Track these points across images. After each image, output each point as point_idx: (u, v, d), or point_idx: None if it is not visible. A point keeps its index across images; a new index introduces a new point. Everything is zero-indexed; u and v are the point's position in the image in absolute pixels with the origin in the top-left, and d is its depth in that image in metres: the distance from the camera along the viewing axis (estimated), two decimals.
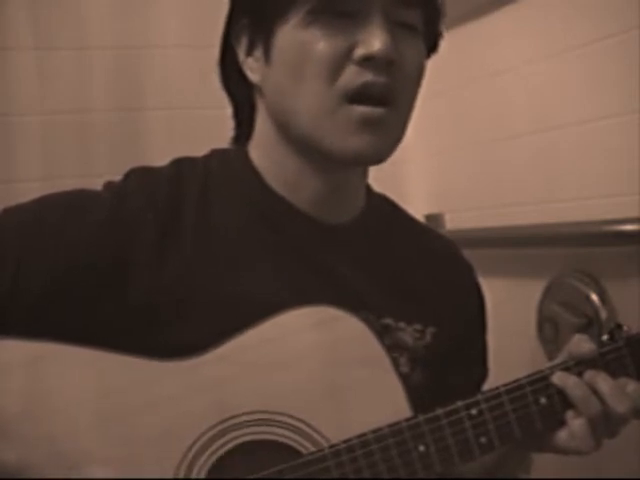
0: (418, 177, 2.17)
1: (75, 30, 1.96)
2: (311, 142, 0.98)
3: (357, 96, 0.95)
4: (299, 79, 0.96)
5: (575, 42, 1.72)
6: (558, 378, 0.94)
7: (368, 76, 0.95)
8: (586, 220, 1.67)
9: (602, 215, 1.63)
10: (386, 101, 0.96)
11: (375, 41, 0.94)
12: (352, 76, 0.95)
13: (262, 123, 1.04)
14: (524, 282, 1.87)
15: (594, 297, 1.67)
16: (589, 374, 0.94)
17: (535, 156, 1.85)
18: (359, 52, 0.95)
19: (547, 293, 1.78)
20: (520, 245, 1.88)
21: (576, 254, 1.73)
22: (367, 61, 0.95)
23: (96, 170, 1.88)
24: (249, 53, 1.02)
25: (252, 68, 1.02)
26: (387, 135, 0.98)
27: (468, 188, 2.07)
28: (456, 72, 2.01)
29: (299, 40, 0.96)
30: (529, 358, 1.78)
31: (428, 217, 2.09)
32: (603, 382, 0.93)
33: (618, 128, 1.63)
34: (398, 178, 2.00)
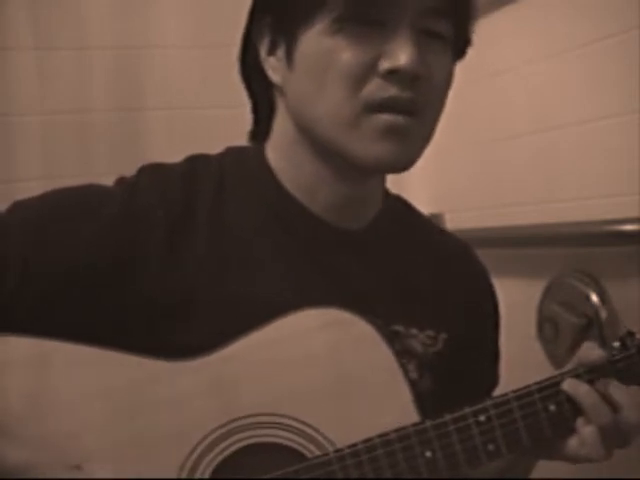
0: (418, 177, 2.16)
1: (75, 30, 1.96)
2: (333, 147, 0.97)
3: (381, 107, 0.94)
4: (322, 87, 0.95)
5: (575, 42, 1.71)
6: (569, 385, 0.93)
7: (392, 90, 0.93)
8: (586, 220, 1.66)
9: (602, 215, 1.62)
10: (411, 112, 0.95)
11: (401, 55, 0.92)
12: (376, 89, 0.94)
13: (282, 123, 1.03)
14: (524, 282, 1.87)
15: (594, 297, 1.67)
16: (600, 382, 0.93)
17: (535, 156, 1.84)
18: (384, 65, 0.93)
19: (547, 293, 1.78)
20: (520, 245, 1.87)
21: (576, 254, 1.73)
22: (392, 75, 0.93)
23: (96, 170, 1.88)
24: (271, 52, 1.00)
25: (274, 68, 1.00)
26: (411, 144, 0.97)
27: (468, 188, 2.06)
28: (456, 72, 2.00)
29: (324, 48, 0.94)
30: (529, 358, 1.77)
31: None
32: (615, 390, 0.92)
33: (618, 128, 1.63)
34: (398, 178, 1.99)
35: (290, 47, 0.97)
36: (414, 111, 0.95)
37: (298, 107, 0.99)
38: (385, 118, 0.94)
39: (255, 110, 1.08)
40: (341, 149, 0.96)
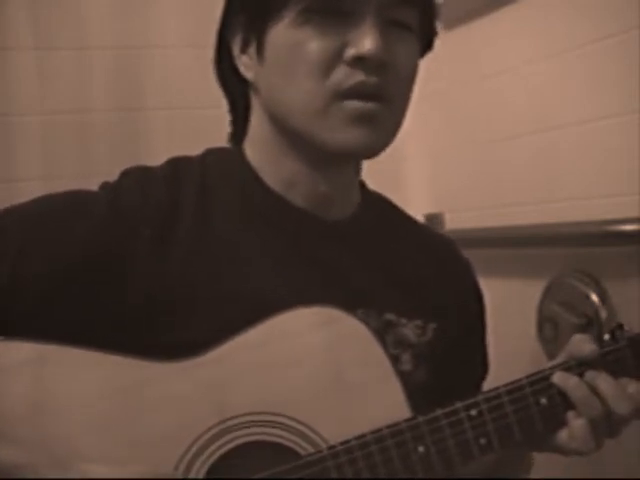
0: (418, 177, 2.16)
1: (75, 30, 1.96)
2: (305, 137, 0.98)
3: (349, 94, 0.96)
4: (291, 78, 0.97)
5: (575, 42, 1.72)
6: (559, 378, 0.93)
7: (359, 76, 0.95)
8: (586, 220, 1.67)
9: (602, 215, 1.63)
10: (378, 98, 0.97)
11: (366, 41, 0.94)
12: (343, 76, 0.96)
13: (257, 120, 1.05)
14: (524, 282, 1.87)
15: (594, 297, 1.67)
16: (590, 374, 0.93)
17: (535, 156, 1.85)
18: (350, 52, 0.95)
19: (547, 293, 1.78)
20: (520, 245, 1.88)
21: (576, 254, 1.73)
22: (358, 61, 0.95)
23: (96, 170, 1.88)
24: (243, 50, 1.02)
25: (246, 65, 1.03)
26: (380, 130, 0.98)
27: (468, 188, 2.07)
28: (456, 72, 2.01)
29: (292, 39, 0.96)
30: (529, 358, 1.78)
31: (428, 217, 2.09)
32: (604, 383, 0.92)
33: (618, 128, 1.63)
34: (398, 178, 2.00)
35: (260, 42, 0.99)
36: (381, 97, 0.97)
37: (270, 100, 1.01)
38: (353, 105, 0.96)
39: (232, 110, 1.09)
40: (313, 138, 0.98)
